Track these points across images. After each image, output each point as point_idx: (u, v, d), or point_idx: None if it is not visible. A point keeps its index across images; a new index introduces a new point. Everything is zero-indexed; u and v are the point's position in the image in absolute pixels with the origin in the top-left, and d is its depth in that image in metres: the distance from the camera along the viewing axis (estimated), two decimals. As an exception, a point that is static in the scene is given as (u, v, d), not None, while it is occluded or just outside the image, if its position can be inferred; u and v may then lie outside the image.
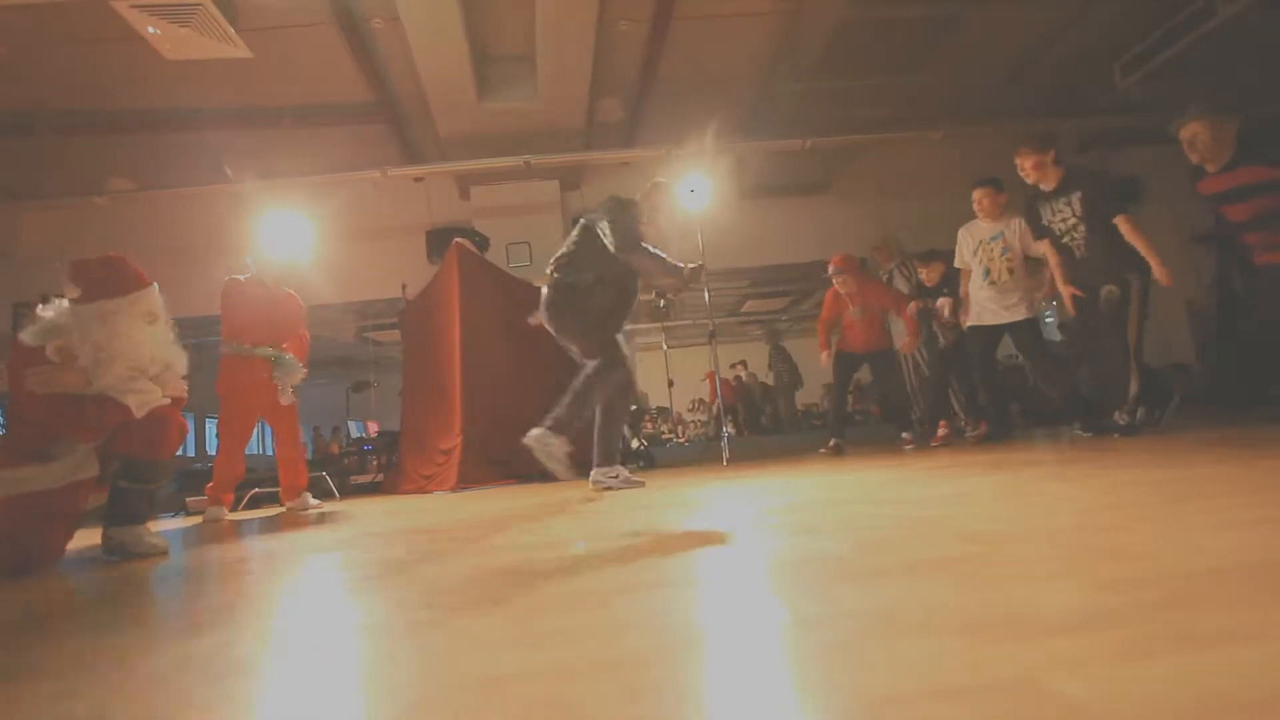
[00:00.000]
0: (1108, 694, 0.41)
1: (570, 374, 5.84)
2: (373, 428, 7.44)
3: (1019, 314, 3.75)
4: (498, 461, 4.89)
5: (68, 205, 6.30)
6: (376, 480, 6.28)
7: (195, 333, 8.25)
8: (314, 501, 3.90)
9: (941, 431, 4.32)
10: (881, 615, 0.62)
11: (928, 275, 4.68)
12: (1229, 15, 4.80)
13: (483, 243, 5.75)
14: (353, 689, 0.57)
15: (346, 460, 7.36)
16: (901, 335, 4.90)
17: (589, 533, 1.54)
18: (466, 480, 4.70)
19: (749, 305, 11.52)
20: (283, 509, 3.94)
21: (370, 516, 2.94)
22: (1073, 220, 3.28)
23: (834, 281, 4.76)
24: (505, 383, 5.20)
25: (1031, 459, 2.42)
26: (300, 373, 3.77)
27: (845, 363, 4.83)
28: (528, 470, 4.73)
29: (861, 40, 5.13)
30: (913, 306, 4.69)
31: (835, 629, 0.60)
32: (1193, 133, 2.92)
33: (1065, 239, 3.36)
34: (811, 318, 12.19)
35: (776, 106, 6.34)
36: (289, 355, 3.74)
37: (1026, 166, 3.33)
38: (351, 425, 7.25)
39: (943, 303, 4.44)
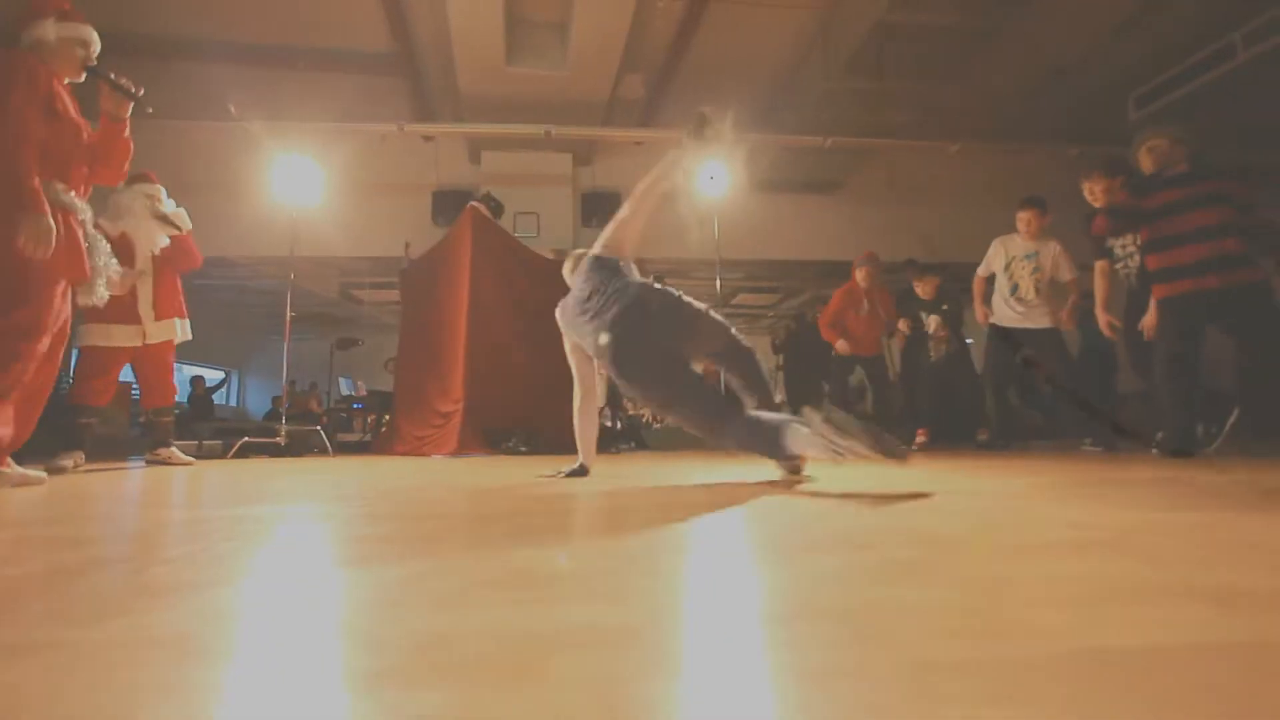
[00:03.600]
0: None
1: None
2: (362, 387, 7.31)
3: (1042, 323, 3.87)
4: (493, 431, 4.86)
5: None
6: (365, 440, 6.18)
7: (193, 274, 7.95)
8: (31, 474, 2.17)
9: (920, 439, 4.48)
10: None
11: (923, 289, 4.82)
12: (1249, 57, 4.97)
13: (497, 209, 5.66)
14: (316, 652, 0.53)
15: (324, 418, 7.22)
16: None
17: (610, 505, 1.55)
18: (466, 446, 4.66)
19: (741, 298, 11.59)
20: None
21: (377, 476, 2.90)
22: (1132, 249, 3.37)
23: (858, 273, 4.87)
24: (509, 353, 5.17)
25: (979, 464, 2.51)
26: (113, 267, 2.42)
27: (844, 363, 4.98)
28: (518, 445, 4.74)
29: (896, 44, 5.17)
30: (903, 324, 4.90)
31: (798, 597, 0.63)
32: None
33: (1119, 264, 3.45)
34: (795, 316, 12.34)
35: (799, 101, 6.35)
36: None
37: (1097, 190, 3.38)
38: (343, 382, 7.10)
39: (930, 320, 4.69)
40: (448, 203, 6.85)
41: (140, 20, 5.52)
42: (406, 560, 0.89)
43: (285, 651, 0.53)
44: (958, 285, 5.57)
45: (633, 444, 6.09)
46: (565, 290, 2.36)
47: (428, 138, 6.63)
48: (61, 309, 2.15)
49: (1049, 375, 4.01)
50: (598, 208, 7.28)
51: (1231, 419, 3.25)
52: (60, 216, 2.10)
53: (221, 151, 6.15)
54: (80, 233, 2.20)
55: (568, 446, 4.94)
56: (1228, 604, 0.61)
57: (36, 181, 1.97)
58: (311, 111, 6.04)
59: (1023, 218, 3.97)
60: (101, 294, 2.32)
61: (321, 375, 8.69)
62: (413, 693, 0.43)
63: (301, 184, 5.38)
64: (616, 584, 0.74)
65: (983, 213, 7.26)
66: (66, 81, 2.24)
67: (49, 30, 2.19)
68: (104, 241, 2.36)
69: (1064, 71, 5.85)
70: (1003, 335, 4.00)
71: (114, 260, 2.40)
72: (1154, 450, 3.07)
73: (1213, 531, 1.00)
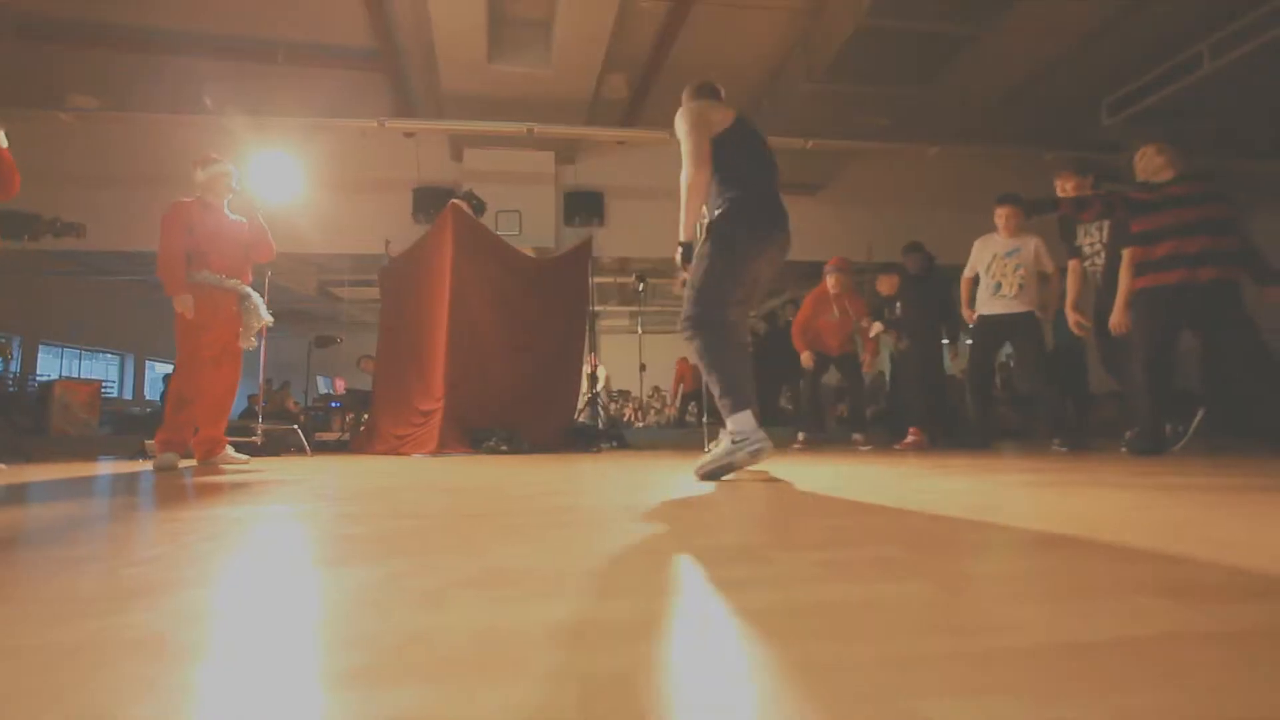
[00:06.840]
0: None
1: (557, 358, 5.75)
2: (340, 385, 7.21)
3: (1024, 307, 3.84)
4: (473, 431, 4.83)
5: (29, 117, 5.85)
6: (343, 439, 6.10)
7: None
8: (239, 456, 3.53)
9: (910, 438, 4.42)
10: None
11: (884, 285, 4.87)
12: (1214, 69, 5.11)
13: (479, 206, 5.61)
14: (294, 651, 0.53)
15: (303, 417, 7.11)
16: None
17: (603, 508, 1.56)
18: (446, 445, 4.63)
19: (721, 298, 11.64)
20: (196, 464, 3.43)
21: (358, 475, 2.87)
22: (1099, 246, 3.46)
23: (829, 279, 4.89)
24: (491, 351, 5.14)
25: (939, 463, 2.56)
26: (267, 317, 3.52)
27: (817, 362, 5.00)
28: (498, 445, 4.71)
29: (876, 48, 5.21)
30: (875, 328, 4.91)
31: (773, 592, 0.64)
32: None
33: (1087, 263, 3.54)
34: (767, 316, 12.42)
35: (780, 103, 6.40)
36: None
37: (1068, 189, 3.48)
38: (320, 381, 7.00)
39: (891, 335, 4.75)
40: (429, 200, 6.79)
41: (116, 11, 5.41)
42: (386, 559, 0.88)
43: (263, 651, 0.53)
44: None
45: (615, 443, 6.09)
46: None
47: (409, 134, 6.57)
48: (209, 349, 3.30)
49: (1028, 362, 4.00)
50: (580, 206, 7.27)
51: (1197, 418, 3.34)
52: (212, 291, 3.29)
53: (197, 146, 6.04)
54: (232, 298, 3.40)
55: (549, 445, 4.99)
56: (1193, 597, 0.63)
57: (181, 277, 3.18)
58: (290, 106, 5.96)
59: (1001, 214, 3.98)
60: (253, 340, 3.49)
61: (299, 373, 8.56)
62: (392, 690, 0.43)
63: (279, 179, 5.30)
64: (596, 582, 0.74)
65: (961, 214, 7.37)
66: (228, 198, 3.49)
67: (199, 174, 3.39)
68: (260, 302, 3.50)
69: (1037, 76, 5.95)
70: (985, 331, 4.02)
71: (263, 314, 3.48)
72: (1123, 449, 3.14)
73: (1179, 528, 1.03)
